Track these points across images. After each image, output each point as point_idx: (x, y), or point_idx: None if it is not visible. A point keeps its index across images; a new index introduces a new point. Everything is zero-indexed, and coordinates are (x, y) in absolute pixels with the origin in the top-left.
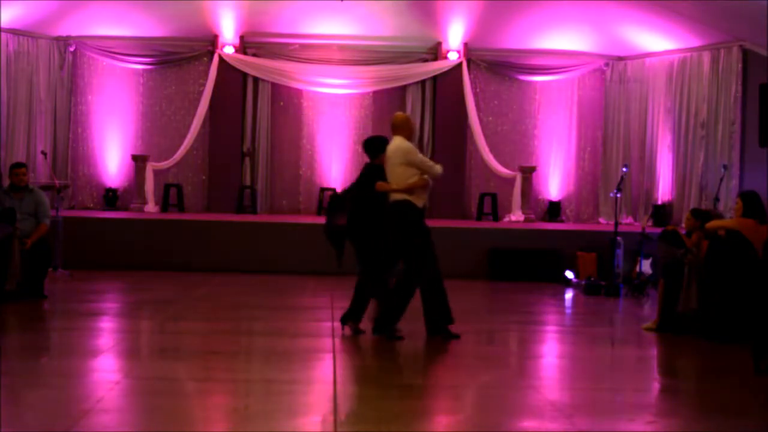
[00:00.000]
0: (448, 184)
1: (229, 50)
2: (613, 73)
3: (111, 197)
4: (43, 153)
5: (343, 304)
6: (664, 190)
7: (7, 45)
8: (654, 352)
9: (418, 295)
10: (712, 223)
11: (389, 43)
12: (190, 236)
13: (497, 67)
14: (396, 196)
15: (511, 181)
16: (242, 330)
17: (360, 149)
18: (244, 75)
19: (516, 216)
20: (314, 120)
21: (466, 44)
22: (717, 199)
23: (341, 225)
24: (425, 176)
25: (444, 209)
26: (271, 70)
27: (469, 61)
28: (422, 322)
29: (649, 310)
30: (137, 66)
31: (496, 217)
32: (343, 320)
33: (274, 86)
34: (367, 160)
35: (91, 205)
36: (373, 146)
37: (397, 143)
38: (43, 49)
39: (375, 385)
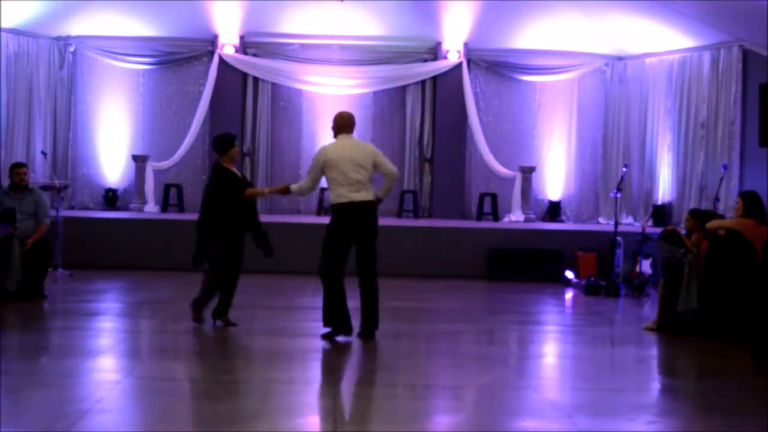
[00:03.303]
0: (448, 184)
1: (229, 50)
2: (613, 73)
3: (111, 197)
4: (43, 153)
5: None
6: (664, 190)
7: (7, 45)
8: (654, 351)
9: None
10: (713, 223)
11: (389, 43)
12: (190, 236)
13: (497, 67)
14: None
15: (511, 181)
16: (242, 330)
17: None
18: (244, 75)
19: (516, 216)
20: (314, 120)
21: (466, 44)
22: (717, 199)
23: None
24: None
25: (444, 209)
26: (271, 70)
27: (469, 61)
28: (415, 323)
29: (649, 310)
30: (137, 66)
31: (496, 217)
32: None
33: (274, 86)
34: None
35: (91, 205)
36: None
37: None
38: (43, 49)
39: (375, 386)
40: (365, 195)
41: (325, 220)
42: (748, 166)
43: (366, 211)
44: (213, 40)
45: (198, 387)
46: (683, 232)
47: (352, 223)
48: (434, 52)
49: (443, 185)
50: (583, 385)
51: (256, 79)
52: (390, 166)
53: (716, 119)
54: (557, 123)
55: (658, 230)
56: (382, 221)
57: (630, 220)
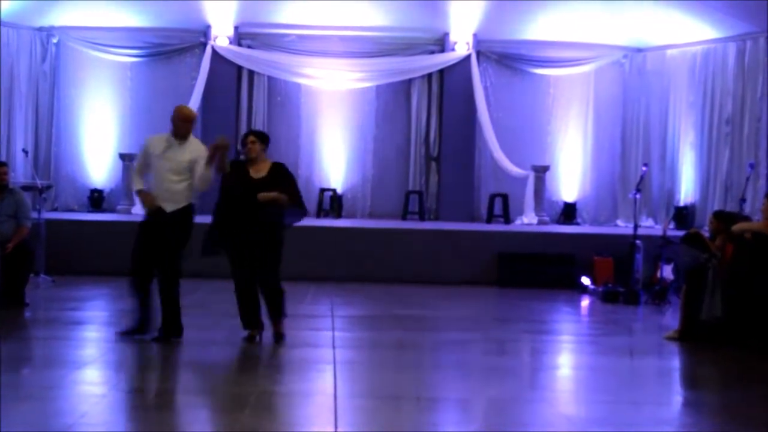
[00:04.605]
0: (455, 184)
1: (222, 42)
2: (632, 65)
3: (97, 198)
4: (24, 151)
5: (344, 313)
6: (686, 190)
7: None
8: (676, 362)
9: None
10: (739, 226)
11: (393, 34)
12: None
13: (508, 59)
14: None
15: (523, 181)
16: (237, 340)
17: (364, 147)
18: (239, 68)
19: (528, 218)
20: (314, 116)
21: (475, 35)
22: (743, 200)
23: None
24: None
25: (452, 211)
26: (267, 63)
27: (478, 53)
28: (420, 331)
29: (671, 318)
30: (125, 58)
31: (508, 220)
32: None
33: (271, 80)
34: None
35: (76, 206)
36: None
37: None
38: (24, 41)
39: (379, 398)
40: None
41: (326, 222)
42: None
43: None
44: (205, 31)
45: (188, 400)
46: (707, 235)
47: None
48: (441, 44)
49: (451, 185)
50: (601, 398)
51: (251, 73)
52: None
53: (742, 115)
54: (572, 119)
55: (681, 233)
56: (386, 223)
57: (650, 222)
